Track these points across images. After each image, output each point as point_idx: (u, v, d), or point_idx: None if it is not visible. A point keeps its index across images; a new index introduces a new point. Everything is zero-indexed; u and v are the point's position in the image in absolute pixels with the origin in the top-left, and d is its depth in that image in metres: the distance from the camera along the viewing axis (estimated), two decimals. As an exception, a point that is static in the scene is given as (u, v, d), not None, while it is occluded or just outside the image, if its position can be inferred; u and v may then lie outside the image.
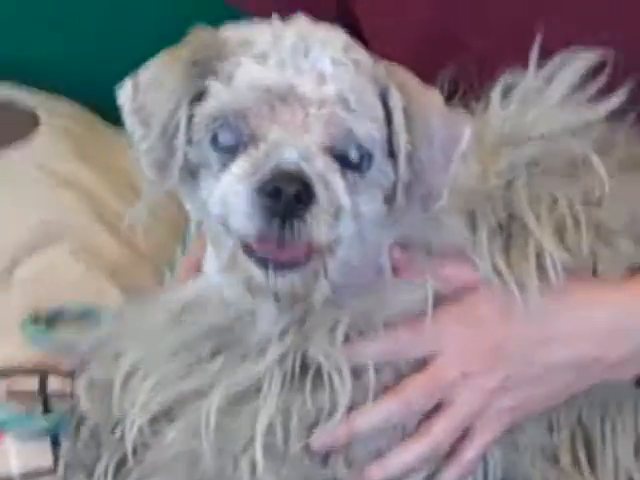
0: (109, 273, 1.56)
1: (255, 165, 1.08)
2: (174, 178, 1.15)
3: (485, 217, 1.26)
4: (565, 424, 1.30)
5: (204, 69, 1.14)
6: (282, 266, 1.10)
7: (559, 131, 1.31)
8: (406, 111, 1.15)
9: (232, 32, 1.17)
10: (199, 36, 1.17)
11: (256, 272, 1.11)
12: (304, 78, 1.11)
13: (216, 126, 1.12)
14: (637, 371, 1.28)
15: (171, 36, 1.17)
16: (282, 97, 1.10)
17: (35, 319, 1.46)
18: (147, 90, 1.16)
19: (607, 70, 1.32)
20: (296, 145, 1.09)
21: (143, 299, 1.34)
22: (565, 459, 1.30)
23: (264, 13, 1.31)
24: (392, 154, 1.15)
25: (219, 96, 1.12)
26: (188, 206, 1.20)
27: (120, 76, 1.18)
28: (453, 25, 1.46)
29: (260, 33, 1.15)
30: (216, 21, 1.21)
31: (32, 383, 1.40)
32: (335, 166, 1.10)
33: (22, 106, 1.80)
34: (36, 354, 1.43)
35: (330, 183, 1.09)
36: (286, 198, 1.06)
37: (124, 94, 1.16)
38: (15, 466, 1.38)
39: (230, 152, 1.12)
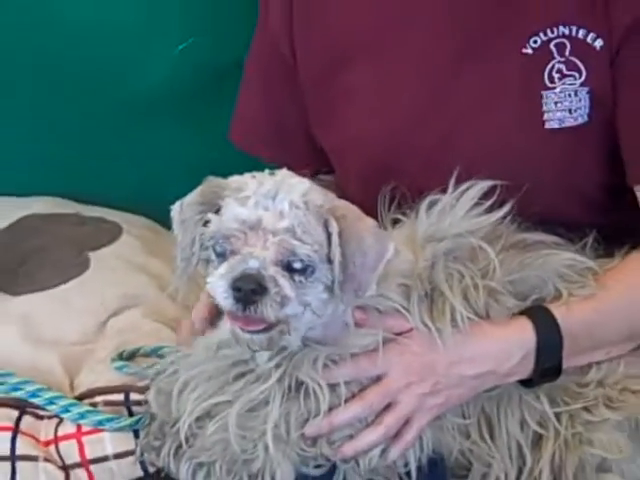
0: (168, 325, 1.76)
1: (231, 269, 1.26)
2: (191, 270, 1.35)
3: (416, 289, 1.38)
4: (473, 412, 1.42)
5: (210, 204, 1.32)
6: (250, 332, 1.29)
7: (464, 232, 1.41)
8: (342, 234, 1.28)
9: (232, 180, 1.33)
10: (208, 183, 1.34)
11: (236, 331, 1.31)
12: (268, 215, 1.27)
13: (212, 242, 1.31)
14: (520, 377, 1.41)
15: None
16: (252, 227, 1.27)
17: (120, 356, 1.67)
18: (185, 211, 1.34)
19: (496, 193, 1.42)
20: (257, 258, 1.26)
21: (191, 339, 1.48)
22: (474, 435, 1.43)
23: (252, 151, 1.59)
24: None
25: (214, 224, 1.30)
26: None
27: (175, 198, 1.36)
28: (390, 156, 1.55)
29: (248, 183, 1.30)
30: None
31: (120, 397, 1.61)
32: (282, 272, 1.26)
33: (111, 220, 2.05)
34: (122, 378, 1.64)
35: (278, 282, 1.25)
36: (244, 291, 1.25)
37: (175, 210, 1.36)
38: (110, 448, 1.58)
39: (222, 257, 1.30)
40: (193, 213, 1.33)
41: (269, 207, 1.28)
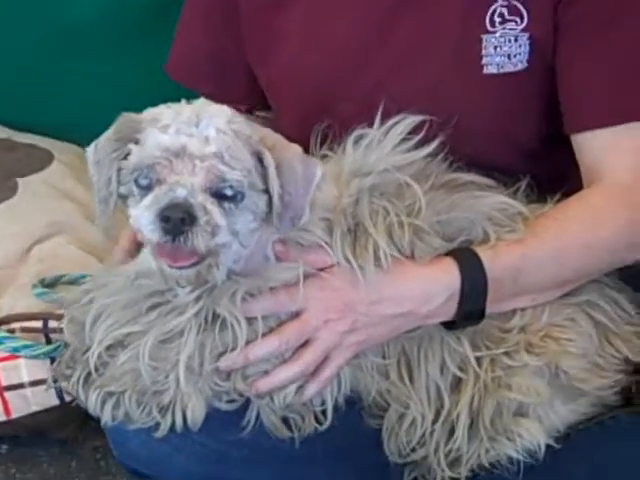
0: (93, 254, 1.74)
1: (157, 199, 1.21)
2: (110, 210, 1.28)
3: (339, 224, 1.34)
4: (394, 353, 1.39)
5: (126, 139, 1.26)
6: (177, 267, 1.24)
7: (390, 168, 1.37)
8: (277, 164, 1.25)
9: (147, 112, 1.28)
10: (121, 120, 1.28)
11: (163, 268, 1.25)
12: (193, 141, 1.22)
13: (135, 174, 1.24)
14: (442, 319, 1.37)
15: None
16: (176, 154, 1.22)
17: (42, 282, 1.63)
18: (99, 152, 1.29)
19: (424, 129, 1.38)
20: (184, 185, 1.20)
21: (111, 268, 1.44)
22: (393, 375, 1.39)
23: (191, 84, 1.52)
24: (267, 192, 1.27)
25: (136, 154, 1.24)
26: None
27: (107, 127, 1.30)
28: (326, 96, 1.51)
29: (165, 113, 1.25)
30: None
31: (38, 324, 1.59)
32: (212, 199, 1.21)
33: (42, 147, 2.01)
34: (41, 305, 1.61)
35: (208, 210, 1.20)
36: (173, 221, 1.19)
37: (89, 151, 1.31)
38: (25, 376, 1.57)
39: (145, 189, 1.24)
40: (109, 150, 1.28)
41: (193, 133, 1.23)
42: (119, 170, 1.27)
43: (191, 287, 1.30)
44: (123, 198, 1.29)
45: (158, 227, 1.21)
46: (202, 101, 1.29)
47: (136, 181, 1.25)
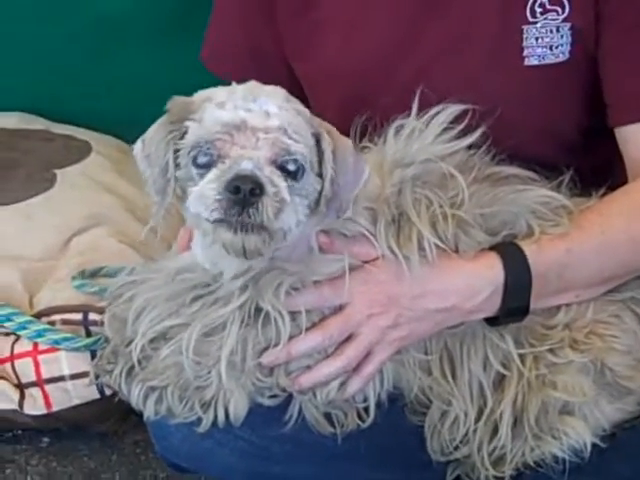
0: (133, 246, 1.71)
1: (222, 172, 1.17)
2: (169, 198, 1.24)
3: (383, 214, 1.31)
4: (436, 349, 1.35)
5: (181, 120, 1.22)
6: (245, 230, 1.19)
7: (433, 157, 1.34)
8: (333, 150, 1.23)
9: (198, 94, 1.25)
10: (173, 103, 1.25)
11: (228, 236, 1.19)
12: (253, 115, 1.19)
13: (194, 152, 1.21)
14: (485, 315, 1.33)
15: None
16: (237, 128, 1.19)
17: (81, 275, 1.62)
18: (149, 145, 1.25)
19: (466, 119, 1.34)
20: (250, 158, 1.17)
21: (153, 263, 1.41)
22: (436, 372, 1.36)
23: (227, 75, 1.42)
24: (320, 177, 1.24)
25: (194, 132, 1.21)
26: (183, 213, 1.27)
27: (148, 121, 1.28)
28: (366, 88, 1.48)
29: (218, 92, 1.23)
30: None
31: (78, 316, 1.58)
32: (278, 172, 1.18)
33: (80, 138, 2.00)
34: (81, 297, 1.60)
35: (275, 183, 1.17)
36: (243, 192, 1.16)
37: (137, 148, 1.26)
38: (66, 368, 1.55)
39: (206, 168, 1.20)
40: (164, 133, 1.24)
41: (252, 108, 1.20)
42: (176, 152, 1.24)
43: (234, 274, 1.28)
44: (181, 186, 1.25)
45: (225, 199, 1.17)
46: (253, 83, 1.26)
47: (195, 161, 1.21)
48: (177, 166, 1.24)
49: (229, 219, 1.18)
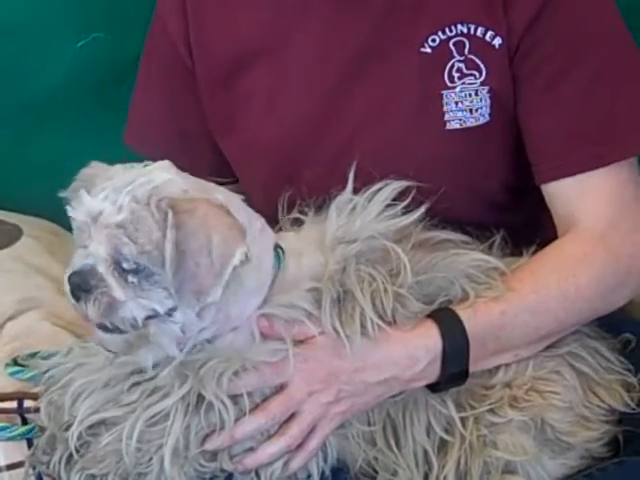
0: (67, 328, 1.59)
1: (72, 264, 1.17)
2: None
3: (329, 291, 1.25)
4: (379, 418, 1.30)
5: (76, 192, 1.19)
6: (103, 330, 1.17)
7: (376, 235, 1.28)
8: (182, 229, 1.13)
9: (114, 168, 1.21)
10: (83, 172, 1.22)
11: (95, 330, 1.19)
12: (110, 208, 1.14)
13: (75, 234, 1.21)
14: (426, 382, 1.28)
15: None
16: (94, 219, 1.15)
17: (15, 361, 1.49)
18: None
19: (410, 195, 1.29)
20: (89, 254, 1.15)
21: (88, 345, 1.32)
22: (380, 442, 1.30)
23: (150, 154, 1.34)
24: None
25: (70, 212, 1.19)
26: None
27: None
28: (289, 162, 1.42)
29: (120, 172, 1.19)
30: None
31: (13, 404, 1.44)
32: (117, 271, 1.14)
33: (10, 222, 1.86)
34: (15, 384, 1.46)
35: (106, 281, 1.14)
36: (71, 286, 1.15)
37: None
38: (2, 459, 1.41)
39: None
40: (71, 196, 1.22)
41: (114, 201, 1.15)
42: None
43: (171, 367, 1.21)
44: None
45: (68, 290, 1.16)
46: (158, 165, 1.20)
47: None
48: None
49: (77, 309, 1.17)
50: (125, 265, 1.14)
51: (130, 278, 1.14)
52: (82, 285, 1.14)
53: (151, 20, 1.53)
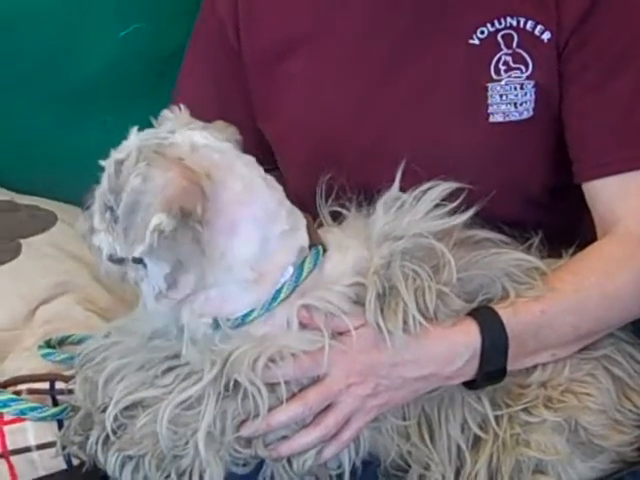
0: (99, 314, 1.61)
1: None
2: None
3: (374, 285, 1.24)
4: (414, 414, 1.29)
5: None
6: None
7: (424, 232, 1.27)
8: (146, 182, 1.15)
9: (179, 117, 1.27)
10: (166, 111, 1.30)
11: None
12: (128, 148, 1.22)
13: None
14: (464, 379, 1.27)
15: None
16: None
17: (47, 343, 1.51)
18: None
19: (459, 197, 1.27)
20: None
21: (128, 322, 1.32)
22: (414, 436, 1.29)
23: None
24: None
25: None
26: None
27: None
28: (330, 146, 1.41)
29: (178, 122, 1.25)
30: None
31: (45, 385, 1.45)
32: (103, 202, 1.21)
33: (45, 208, 1.87)
34: (47, 366, 1.48)
35: (94, 205, 1.23)
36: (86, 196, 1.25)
37: None
38: (32, 439, 1.42)
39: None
40: None
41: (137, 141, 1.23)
42: None
43: (199, 349, 1.21)
44: None
45: None
46: (215, 124, 1.25)
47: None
48: None
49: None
50: (106, 200, 1.18)
51: (107, 214, 1.18)
52: (88, 200, 1.20)
53: (193, 12, 1.54)
